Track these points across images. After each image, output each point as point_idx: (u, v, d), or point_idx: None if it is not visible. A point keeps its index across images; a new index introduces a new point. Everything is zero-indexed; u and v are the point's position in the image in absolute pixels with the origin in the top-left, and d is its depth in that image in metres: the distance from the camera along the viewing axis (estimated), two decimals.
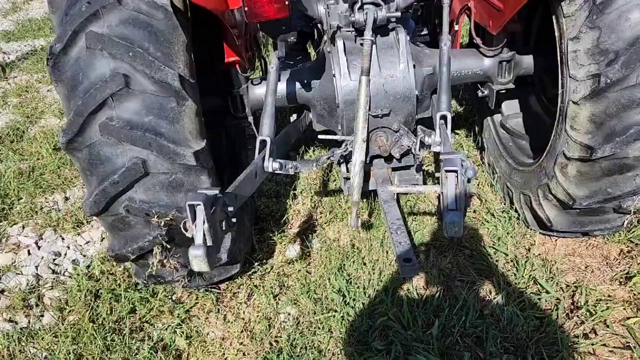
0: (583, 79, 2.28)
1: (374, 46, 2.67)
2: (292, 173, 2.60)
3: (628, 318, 2.58)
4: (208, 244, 1.69)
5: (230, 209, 1.87)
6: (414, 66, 2.81)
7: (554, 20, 2.45)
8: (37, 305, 3.04)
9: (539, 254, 3.01)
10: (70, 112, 2.13)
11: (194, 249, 1.66)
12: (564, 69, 2.42)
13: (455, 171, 1.78)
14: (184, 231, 1.73)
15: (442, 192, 1.86)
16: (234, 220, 1.94)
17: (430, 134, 2.63)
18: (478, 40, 3.00)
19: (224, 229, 1.89)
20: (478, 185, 3.67)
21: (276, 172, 2.48)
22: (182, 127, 2.21)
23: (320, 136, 2.92)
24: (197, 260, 1.66)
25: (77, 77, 2.12)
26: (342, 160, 2.95)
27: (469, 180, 1.85)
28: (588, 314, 2.61)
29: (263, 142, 2.47)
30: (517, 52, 3.04)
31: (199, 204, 1.67)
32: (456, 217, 1.68)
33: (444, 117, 2.54)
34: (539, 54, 3.05)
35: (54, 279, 3.23)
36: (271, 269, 3.13)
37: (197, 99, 2.27)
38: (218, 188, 1.83)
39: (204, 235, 1.68)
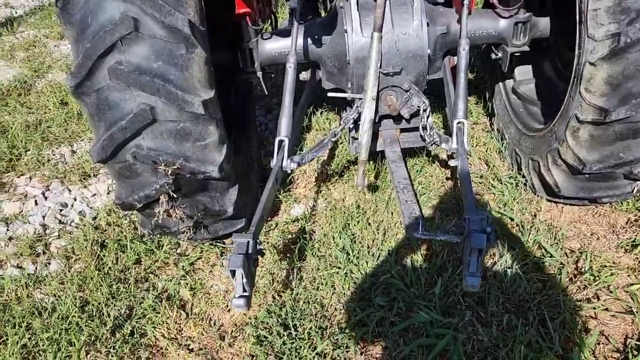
0: (602, 38, 2.23)
1: (387, 2, 2.61)
2: (310, 162, 2.69)
3: (632, 284, 2.59)
4: (247, 294, 1.84)
5: (260, 246, 2.02)
6: (428, 24, 2.75)
7: None
8: (44, 252, 3.07)
9: (545, 220, 3.00)
10: (78, 55, 2.10)
11: (236, 299, 1.83)
12: (582, 28, 2.36)
13: (481, 249, 1.80)
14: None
15: (463, 256, 1.92)
16: (264, 251, 2.09)
17: (447, 140, 2.60)
18: (494, 0, 2.93)
19: (257, 264, 2.03)
20: (486, 151, 3.64)
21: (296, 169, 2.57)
22: (191, 74, 2.17)
23: (329, 94, 2.87)
24: (240, 309, 1.83)
25: (86, 19, 2.08)
26: (352, 125, 2.92)
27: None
28: (592, 279, 2.61)
29: (280, 142, 2.54)
30: (534, 13, 2.97)
31: (239, 269, 1.81)
32: (476, 282, 1.78)
33: (461, 124, 2.51)
34: (556, 16, 2.97)
35: (60, 228, 3.26)
36: (276, 225, 3.14)
37: (206, 47, 2.23)
38: (249, 235, 1.95)
39: (243, 287, 1.83)
